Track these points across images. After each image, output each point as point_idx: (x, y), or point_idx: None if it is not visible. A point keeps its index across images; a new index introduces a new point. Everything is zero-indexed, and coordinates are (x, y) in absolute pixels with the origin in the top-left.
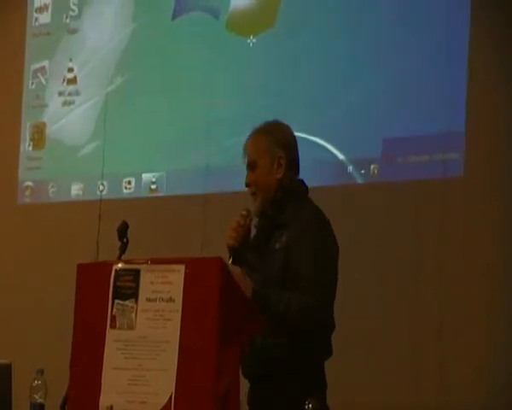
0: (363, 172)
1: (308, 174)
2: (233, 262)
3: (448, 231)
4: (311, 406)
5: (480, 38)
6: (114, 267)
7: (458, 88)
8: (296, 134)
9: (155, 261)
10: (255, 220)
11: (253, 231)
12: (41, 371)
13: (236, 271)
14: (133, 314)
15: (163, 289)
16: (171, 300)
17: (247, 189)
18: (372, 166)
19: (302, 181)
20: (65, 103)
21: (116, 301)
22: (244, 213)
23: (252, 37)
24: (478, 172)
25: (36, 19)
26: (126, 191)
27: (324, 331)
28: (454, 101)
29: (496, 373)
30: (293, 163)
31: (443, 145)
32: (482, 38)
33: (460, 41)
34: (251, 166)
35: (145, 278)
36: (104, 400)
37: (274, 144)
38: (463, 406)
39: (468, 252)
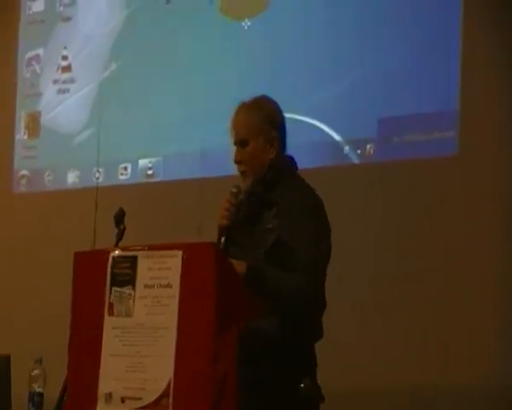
0: (359, 152)
1: (304, 155)
2: (223, 245)
3: (445, 209)
4: (303, 385)
5: (473, 15)
6: (111, 254)
7: (452, 66)
8: (292, 116)
9: (152, 247)
10: (243, 196)
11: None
12: (40, 361)
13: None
14: (131, 301)
15: (160, 275)
16: (168, 286)
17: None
18: (368, 146)
19: (292, 158)
20: (60, 91)
21: (113, 288)
22: (234, 190)
23: (247, 20)
24: (473, 150)
25: (29, 7)
26: (123, 177)
27: (318, 311)
28: (448, 79)
29: (496, 353)
30: (284, 141)
31: (438, 124)
32: (476, 16)
33: (453, 19)
34: (242, 143)
35: (142, 265)
36: (103, 387)
37: (267, 123)
38: (465, 386)
39: (465, 230)
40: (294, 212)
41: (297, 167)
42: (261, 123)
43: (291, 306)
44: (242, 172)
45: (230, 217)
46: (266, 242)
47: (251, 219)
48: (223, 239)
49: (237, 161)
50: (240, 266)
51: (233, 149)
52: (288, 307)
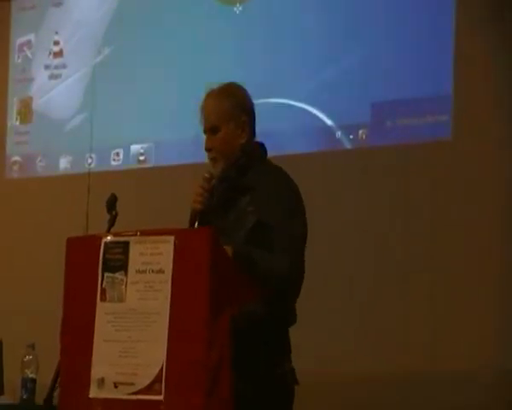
0: (351, 137)
1: (297, 140)
2: (199, 226)
3: (437, 194)
4: (279, 371)
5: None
6: (104, 240)
7: (446, 50)
8: (284, 101)
9: (145, 233)
10: (215, 181)
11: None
12: (32, 346)
13: None
14: (123, 287)
15: (152, 260)
16: (160, 271)
17: None
18: (361, 131)
19: (262, 144)
20: (51, 77)
21: (106, 273)
22: (207, 175)
23: (238, 4)
24: (466, 134)
25: None
26: (115, 163)
27: (299, 291)
28: (442, 64)
29: (488, 340)
30: (253, 127)
31: (431, 108)
32: (469, 1)
33: (447, 3)
34: (213, 130)
35: (134, 250)
36: (95, 372)
37: (237, 108)
38: (453, 374)
39: (457, 214)
40: (272, 196)
41: (267, 153)
42: (231, 108)
43: (276, 287)
44: (212, 159)
45: (204, 202)
46: (246, 224)
47: (224, 204)
48: (196, 224)
49: (208, 149)
50: (226, 249)
51: (203, 137)
52: (273, 288)
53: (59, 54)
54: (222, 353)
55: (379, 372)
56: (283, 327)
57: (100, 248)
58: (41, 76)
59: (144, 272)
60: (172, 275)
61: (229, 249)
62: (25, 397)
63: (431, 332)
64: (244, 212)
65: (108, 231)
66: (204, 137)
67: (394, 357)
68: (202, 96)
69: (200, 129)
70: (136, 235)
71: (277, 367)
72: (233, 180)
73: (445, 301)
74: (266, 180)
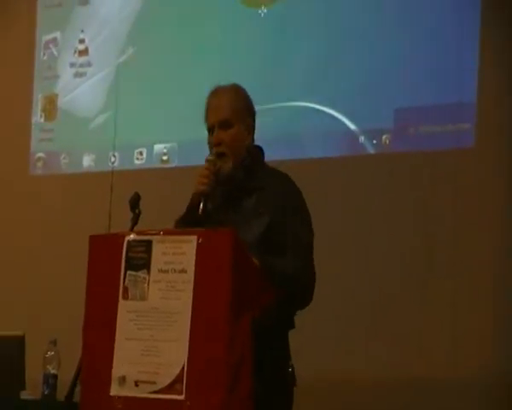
0: (374, 142)
1: (320, 145)
2: (202, 211)
3: (460, 202)
4: (290, 370)
5: (492, 8)
6: (127, 238)
7: (470, 58)
8: (308, 105)
9: (167, 232)
10: (224, 177)
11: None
12: (54, 342)
13: None
14: (145, 285)
15: (175, 260)
16: (183, 271)
17: None
18: (384, 137)
19: (261, 148)
20: (76, 75)
21: (128, 272)
22: (211, 158)
23: (263, 7)
24: (489, 143)
25: None
26: (138, 162)
27: (312, 294)
28: (466, 71)
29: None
30: (254, 131)
31: (455, 116)
32: (494, 9)
33: (472, 11)
34: (226, 124)
35: (157, 249)
36: (117, 370)
37: (247, 110)
38: (475, 378)
39: (480, 223)
40: (281, 197)
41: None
42: (244, 108)
43: (292, 290)
44: (220, 154)
45: (210, 184)
46: (258, 226)
47: (229, 202)
48: (201, 205)
49: (217, 143)
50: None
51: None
52: (289, 292)
53: (84, 52)
54: (243, 352)
55: (397, 378)
56: (287, 330)
57: (123, 246)
58: (66, 74)
59: (167, 271)
60: (195, 275)
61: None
62: (46, 393)
63: (451, 339)
64: (254, 212)
65: (131, 230)
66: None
67: (413, 363)
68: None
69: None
70: (159, 234)
71: (282, 369)
72: (240, 181)
73: (468, 308)
74: (274, 182)
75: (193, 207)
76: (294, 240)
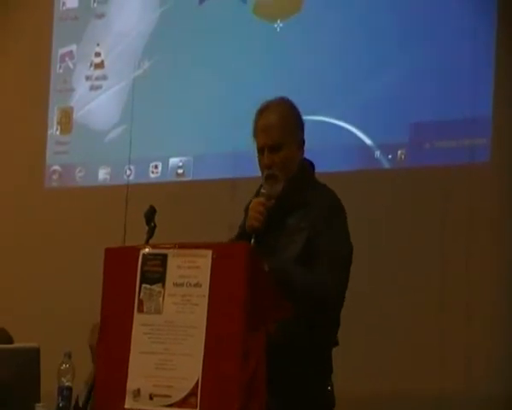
0: (390, 157)
1: (335, 159)
2: (255, 244)
3: (476, 217)
4: (329, 388)
5: (507, 22)
6: (142, 252)
7: (485, 74)
8: (324, 119)
9: (182, 246)
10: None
11: None
12: (69, 355)
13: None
14: (160, 299)
15: (190, 273)
16: (198, 285)
17: None
18: (399, 152)
19: (311, 162)
20: (92, 88)
21: (143, 285)
22: (265, 192)
23: (279, 21)
24: (504, 157)
25: (63, 3)
26: (153, 176)
27: (339, 309)
28: (481, 86)
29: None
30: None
31: (470, 131)
32: (510, 23)
33: (487, 26)
34: (275, 148)
35: (172, 263)
36: (131, 383)
37: (297, 126)
38: (489, 394)
39: (496, 237)
40: (326, 214)
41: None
42: (294, 126)
43: (314, 306)
44: (271, 176)
45: (262, 220)
46: (298, 241)
47: (277, 222)
48: (252, 241)
49: (269, 166)
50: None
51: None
52: (310, 307)
53: (100, 65)
54: (257, 368)
55: (415, 391)
56: (322, 348)
57: (138, 259)
58: (82, 87)
59: (182, 285)
60: (209, 289)
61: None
62: (61, 405)
63: (467, 357)
64: (297, 228)
65: (146, 243)
66: (242, 151)
67: (431, 379)
68: (242, 110)
69: (239, 144)
70: (174, 248)
71: (312, 388)
72: (289, 199)
73: (481, 327)
74: (321, 198)
75: (246, 234)
76: (327, 256)
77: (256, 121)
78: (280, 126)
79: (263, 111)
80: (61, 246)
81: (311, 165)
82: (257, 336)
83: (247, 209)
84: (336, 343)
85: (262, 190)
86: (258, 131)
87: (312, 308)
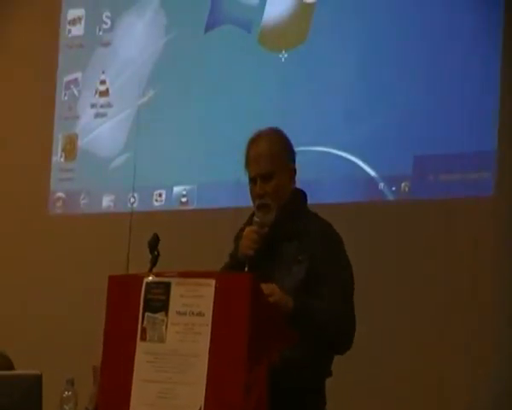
0: (394, 189)
1: (339, 190)
2: (248, 271)
3: (479, 249)
4: None
5: None
6: (145, 280)
7: (490, 107)
8: (328, 150)
9: (186, 275)
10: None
11: None
12: (71, 382)
13: (272, 286)
14: (163, 327)
15: (193, 302)
16: (200, 314)
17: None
18: (403, 184)
19: (304, 192)
20: (97, 115)
21: (147, 313)
22: (258, 220)
23: (284, 51)
24: (509, 191)
25: (69, 31)
26: (157, 204)
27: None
28: (486, 120)
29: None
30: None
31: (474, 164)
32: None
33: (492, 59)
34: (267, 177)
35: (175, 291)
36: None
37: (287, 156)
38: None
39: (499, 271)
40: (323, 244)
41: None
42: (285, 155)
43: (332, 339)
44: (265, 205)
45: (256, 248)
46: (296, 273)
47: (271, 249)
48: (246, 269)
49: (261, 195)
50: (287, 301)
51: (245, 181)
52: (329, 340)
53: (105, 93)
54: (259, 398)
55: None
56: (320, 378)
57: (141, 287)
58: (87, 114)
59: (184, 313)
60: (212, 318)
61: (289, 302)
62: None
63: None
64: (294, 259)
65: (150, 271)
66: (246, 180)
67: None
68: (245, 139)
69: (243, 173)
70: (177, 276)
71: None
72: (282, 226)
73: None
74: (316, 228)
75: (238, 263)
76: (334, 289)
77: (247, 151)
78: (271, 155)
79: (254, 141)
80: (64, 272)
81: (304, 194)
82: (260, 365)
83: (236, 239)
84: (330, 374)
85: (255, 219)
86: (249, 161)
87: (332, 341)
